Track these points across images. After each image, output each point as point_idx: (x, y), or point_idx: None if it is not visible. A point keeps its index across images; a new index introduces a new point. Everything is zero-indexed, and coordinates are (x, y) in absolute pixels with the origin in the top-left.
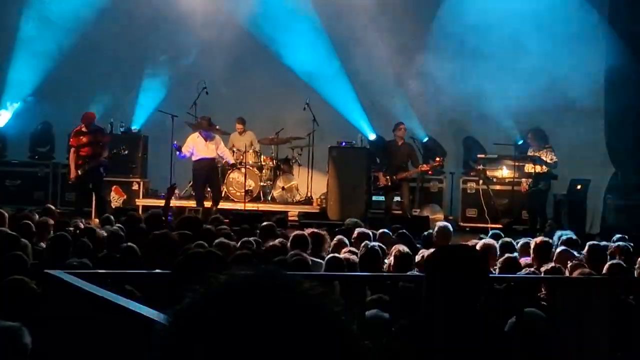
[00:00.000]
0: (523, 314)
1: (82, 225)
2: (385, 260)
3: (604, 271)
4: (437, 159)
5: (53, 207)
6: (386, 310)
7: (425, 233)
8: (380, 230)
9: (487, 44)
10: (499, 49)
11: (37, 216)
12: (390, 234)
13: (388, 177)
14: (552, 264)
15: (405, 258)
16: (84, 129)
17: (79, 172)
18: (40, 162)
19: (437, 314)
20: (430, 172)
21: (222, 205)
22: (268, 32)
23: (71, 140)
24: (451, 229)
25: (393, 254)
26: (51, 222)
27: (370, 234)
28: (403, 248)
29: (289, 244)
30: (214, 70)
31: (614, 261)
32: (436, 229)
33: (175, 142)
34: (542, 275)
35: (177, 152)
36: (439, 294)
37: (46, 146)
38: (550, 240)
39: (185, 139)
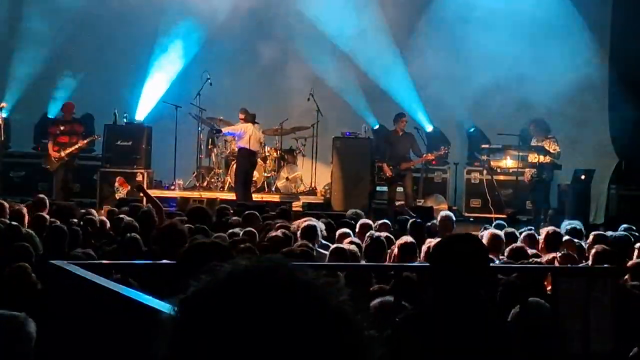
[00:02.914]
0: (527, 304)
1: (95, 216)
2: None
3: (590, 259)
4: (442, 148)
5: (45, 197)
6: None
7: (429, 223)
8: (381, 221)
9: (490, 34)
10: (501, 39)
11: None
12: (390, 224)
13: (392, 168)
14: (557, 253)
15: (409, 248)
16: (63, 118)
17: (56, 158)
18: (44, 154)
19: (438, 306)
20: (434, 162)
21: (226, 195)
22: (273, 23)
23: (50, 128)
24: (454, 218)
25: (397, 244)
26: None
27: (372, 224)
28: (408, 238)
29: (298, 233)
30: (217, 61)
31: (600, 248)
32: (439, 218)
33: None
34: (546, 264)
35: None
36: (439, 286)
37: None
38: (561, 231)
39: (187, 130)
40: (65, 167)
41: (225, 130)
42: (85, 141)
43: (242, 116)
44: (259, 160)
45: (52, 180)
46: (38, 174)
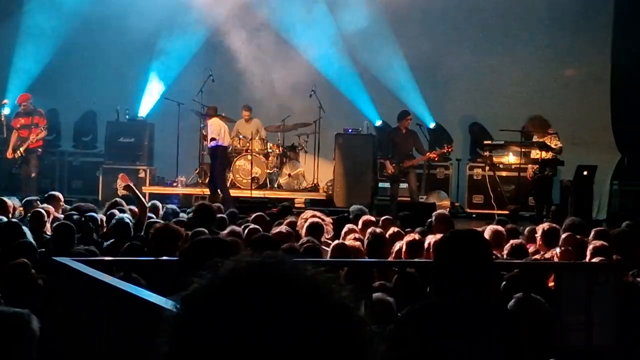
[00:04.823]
0: (524, 300)
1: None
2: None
3: (588, 256)
4: (446, 146)
5: (59, 195)
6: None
7: (429, 220)
8: (384, 217)
9: (491, 28)
10: (503, 34)
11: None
12: (392, 219)
13: (395, 165)
14: (558, 249)
15: (418, 245)
16: (22, 110)
17: (16, 154)
18: (46, 150)
19: (441, 302)
20: (436, 159)
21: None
22: (276, 19)
23: (12, 121)
24: (449, 215)
25: (405, 241)
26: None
27: (375, 220)
28: (417, 235)
29: (303, 230)
30: (220, 58)
31: (599, 244)
32: (434, 217)
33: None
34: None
35: (213, 142)
36: (442, 283)
37: (52, 134)
38: (558, 226)
39: (190, 127)
40: (26, 161)
41: (211, 144)
42: (37, 135)
43: (246, 113)
44: (261, 156)
45: (54, 177)
46: (40, 170)
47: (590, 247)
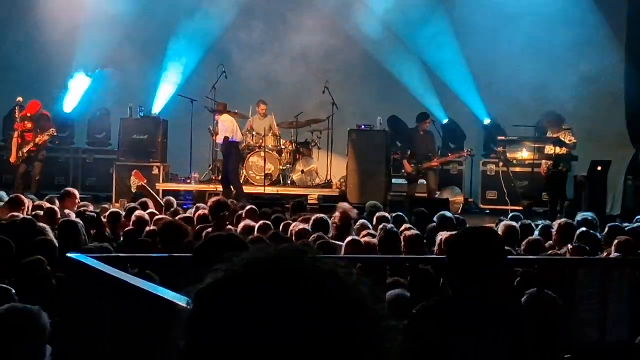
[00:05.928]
0: (536, 297)
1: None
2: None
3: (612, 250)
4: (466, 150)
5: (75, 191)
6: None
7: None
8: (396, 214)
9: (506, 24)
10: (516, 30)
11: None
12: (404, 216)
13: (413, 166)
14: (572, 245)
15: (416, 240)
16: (29, 115)
17: (19, 154)
18: (60, 148)
19: (454, 299)
20: (450, 156)
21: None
22: (287, 16)
23: (16, 124)
24: (450, 215)
25: (402, 237)
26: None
27: (389, 217)
28: (413, 231)
29: (310, 226)
30: (233, 55)
31: (624, 239)
32: (436, 220)
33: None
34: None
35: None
36: (455, 280)
37: (66, 132)
38: (573, 222)
39: (203, 124)
40: (27, 161)
41: (221, 141)
42: (43, 138)
43: (264, 107)
44: (274, 153)
45: (68, 174)
46: (55, 168)
47: (615, 242)
